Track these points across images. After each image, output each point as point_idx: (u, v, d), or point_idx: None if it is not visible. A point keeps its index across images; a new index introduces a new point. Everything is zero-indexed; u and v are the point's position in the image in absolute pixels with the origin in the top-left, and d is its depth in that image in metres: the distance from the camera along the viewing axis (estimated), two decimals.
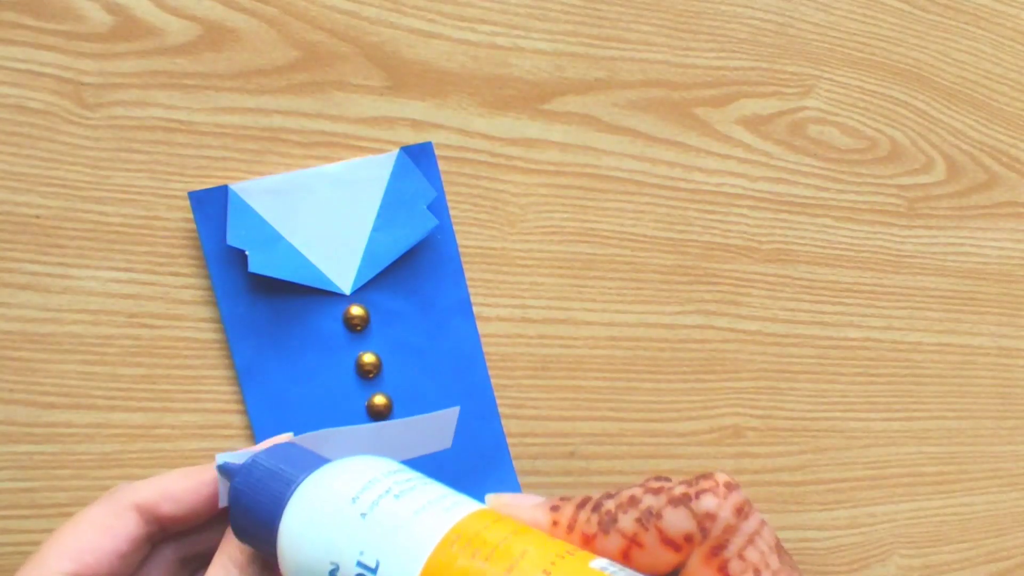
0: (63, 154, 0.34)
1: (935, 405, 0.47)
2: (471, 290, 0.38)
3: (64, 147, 0.34)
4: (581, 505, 0.21)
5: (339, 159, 0.36)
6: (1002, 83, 0.48)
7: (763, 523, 0.20)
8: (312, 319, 0.36)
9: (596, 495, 0.21)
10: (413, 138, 0.37)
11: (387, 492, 0.21)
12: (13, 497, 0.33)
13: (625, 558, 0.20)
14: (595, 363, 0.40)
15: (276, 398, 0.36)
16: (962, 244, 0.48)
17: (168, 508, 0.25)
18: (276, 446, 0.24)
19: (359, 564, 0.20)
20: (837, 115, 0.45)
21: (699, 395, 0.42)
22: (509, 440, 0.39)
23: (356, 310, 0.36)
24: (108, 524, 0.24)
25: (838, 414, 0.45)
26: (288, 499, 0.22)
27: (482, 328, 0.38)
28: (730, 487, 0.20)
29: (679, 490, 0.20)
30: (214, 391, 0.35)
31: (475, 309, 0.38)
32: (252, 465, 0.24)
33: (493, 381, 0.38)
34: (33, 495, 0.33)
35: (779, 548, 0.20)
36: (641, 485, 0.21)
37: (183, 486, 0.25)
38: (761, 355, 0.43)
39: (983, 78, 0.48)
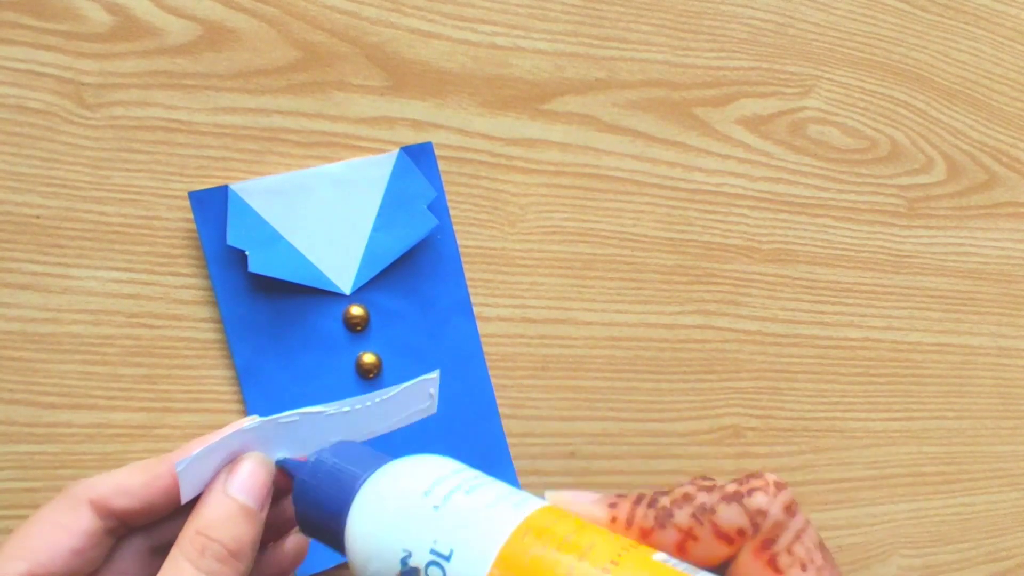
0: (63, 154, 0.34)
1: (935, 405, 0.47)
2: (471, 290, 0.38)
3: (64, 147, 0.34)
4: (636, 502, 0.22)
5: (339, 159, 0.36)
6: (1002, 83, 0.48)
7: (808, 522, 0.21)
8: (312, 319, 0.36)
9: (648, 493, 0.22)
10: (413, 138, 0.37)
11: (458, 488, 0.22)
12: (14, 497, 0.33)
13: (680, 551, 0.21)
14: (595, 363, 0.40)
15: (276, 398, 0.36)
16: (962, 244, 0.48)
17: (122, 502, 0.25)
18: (336, 444, 0.25)
19: (433, 551, 0.21)
20: (837, 115, 0.45)
21: (699, 395, 0.42)
22: (509, 440, 0.39)
23: (356, 310, 0.36)
24: (62, 521, 0.24)
25: (838, 414, 0.45)
26: (357, 491, 0.23)
27: (482, 328, 0.38)
28: (779, 486, 0.21)
29: (731, 487, 0.21)
30: (214, 391, 0.35)
31: (475, 309, 0.38)
32: (317, 462, 0.24)
33: (493, 381, 0.38)
34: (34, 495, 0.33)
35: (822, 546, 0.21)
36: (691, 483, 0.22)
37: (137, 480, 0.25)
38: (761, 355, 0.43)
39: (983, 78, 0.48)
